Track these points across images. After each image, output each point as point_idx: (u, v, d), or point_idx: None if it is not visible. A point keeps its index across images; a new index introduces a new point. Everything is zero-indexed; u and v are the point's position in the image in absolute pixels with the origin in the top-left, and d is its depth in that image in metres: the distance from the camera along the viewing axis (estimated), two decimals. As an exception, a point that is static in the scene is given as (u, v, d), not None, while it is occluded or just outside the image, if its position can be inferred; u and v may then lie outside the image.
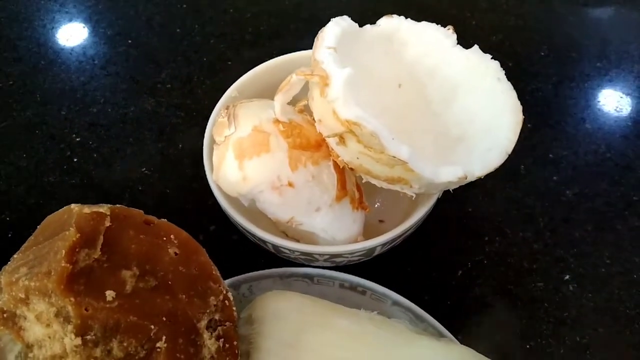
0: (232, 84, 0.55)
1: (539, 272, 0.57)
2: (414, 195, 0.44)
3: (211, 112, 0.53)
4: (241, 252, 0.58)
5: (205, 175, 0.50)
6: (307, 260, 0.49)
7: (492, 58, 0.47)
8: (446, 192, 0.49)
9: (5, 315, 0.36)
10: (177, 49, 0.77)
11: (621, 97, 0.70)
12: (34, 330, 0.36)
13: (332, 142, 0.44)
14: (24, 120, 0.71)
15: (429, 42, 0.50)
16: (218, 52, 0.77)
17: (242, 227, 0.48)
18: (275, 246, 0.48)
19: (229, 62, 0.76)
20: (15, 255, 0.38)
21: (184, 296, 0.36)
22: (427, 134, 0.49)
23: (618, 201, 0.61)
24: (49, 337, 0.35)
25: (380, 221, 0.56)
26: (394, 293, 0.48)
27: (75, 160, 0.68)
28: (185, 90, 0.73)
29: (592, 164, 0.64)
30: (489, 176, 0.43)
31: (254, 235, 0.48)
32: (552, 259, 0.58)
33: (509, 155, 0.44)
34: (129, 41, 0.79)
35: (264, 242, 0.48)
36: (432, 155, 0.46)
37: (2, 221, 0.62)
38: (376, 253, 0.50)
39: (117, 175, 0.66)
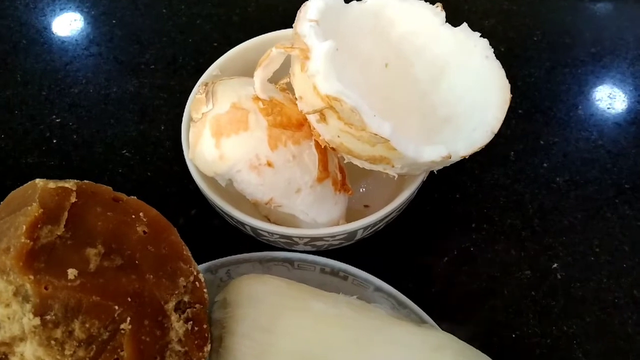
0: (217, 65, 0.53)
1: (526, 260, 0.56)
2: (396, 176, 0.42)
3: (196, 94, 0.51)
4: (222, 237, 0.56)
5: (188, 158, 0.48)
6: (287, 244, 0.48)
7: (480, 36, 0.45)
8: (433, 177, 0.48)
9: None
10: (162, 29, 0.75)
11: (614, 84, 0.68)
12: (-7, 308, 0.34)
13: (312, 119, 0.42)
14: (3, 100, 0.69)
15: (417, 19, 0.48)
16: (204, 33, 0.75)
17: (219, 208, 0.46)
18: (253, 228, 0.46)
19: (215, 44, 0.74)
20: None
21: (151, 276, 0.35)
22: (413, 114, 0.47)
23: (609, 189, 0.60)
24: (8, 318, 0.34)
25: (366, 206, 0.55)
26: (377, 279, 0.47)
27: (54, 141, 0.66)
28: (170, 72, 0.71)
29: (584, 151, 0.63)
30: (478, 161, 0.42)
31: (232, 217, 0.47)
32: (541, 247, 0.57)
33: (499, 141, 0.42)
34: (114, 21, 0.77)
35: (242, 224, 0.47)
36: (417, 136, 0.45)
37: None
38: (358, 237, 0.48)
39: (97, 157, 0.64)
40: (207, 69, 0.53)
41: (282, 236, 0.46)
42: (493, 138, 0.43)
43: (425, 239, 0.57)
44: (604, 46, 0.71)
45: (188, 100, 0.51)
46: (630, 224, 0.57)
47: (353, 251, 0.51)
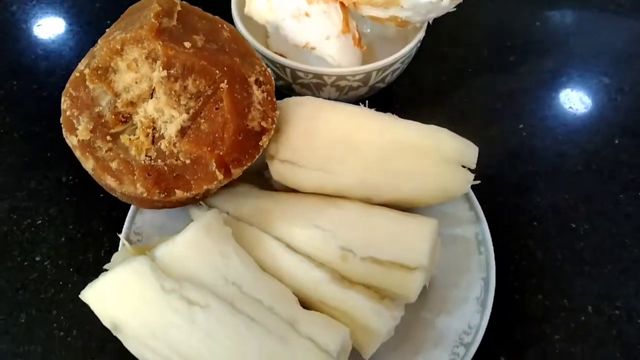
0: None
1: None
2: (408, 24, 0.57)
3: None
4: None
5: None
6: (317, 85, 0.62)
7: None
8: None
9: (99, 72, 0.47)
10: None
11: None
12: (123, 79, 0.47)
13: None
14: None
15: None
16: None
17: (263, 55, 0.60)
18: (292, 70, 0.60)
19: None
20: (105, 33, 0.49)
21: (237, 60, 0.49)
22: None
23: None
24: (136, 82, 0.47)
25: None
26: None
27: None
28: None
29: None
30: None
31: (273, 62, 0.61)
32: None
33: None
34: None
35: (283, 67, 0.61)
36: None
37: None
38: (372, 81, 0.63)
39: None
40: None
41: (315, 75, 0.60)
42: None
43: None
44: None
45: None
46: None
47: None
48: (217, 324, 0.43)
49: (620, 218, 0.66)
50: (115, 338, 0.56)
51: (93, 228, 0.65)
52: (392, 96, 0.71)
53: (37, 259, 0.62)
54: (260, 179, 0.60)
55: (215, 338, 0.42)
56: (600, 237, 0.65)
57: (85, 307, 0.58)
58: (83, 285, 0.45)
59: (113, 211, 0.65)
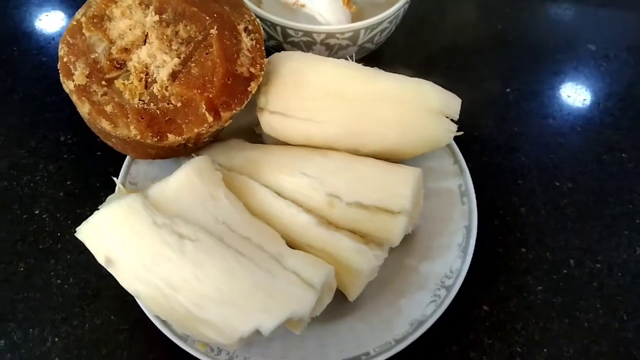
0: None
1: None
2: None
3: None
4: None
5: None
6: (307, 44, 0.64)
7: None
8: None
9: (95, 20, 0.49)
10: None
11: None
12: (118, 26, 0.49)
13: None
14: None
15: None
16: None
17: (256, 13, 0.62)
18: (283, 28, 0.62)
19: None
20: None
21: (227, 8, 0.51)
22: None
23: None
24: (130, 29, 0.49)
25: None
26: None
27: None
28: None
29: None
30: None
31: (265, 21, 0.62)
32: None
33: None
34: None
35: (274, 25, 0.62)
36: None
37: None
38: (361, 40, 0.64)
39: None
40: None
41: (305, 33, 0.62)
42: None
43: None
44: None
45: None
46: None
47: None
48: (206, 256, 0.45)
49: (604, 177, 0.68)
50: (109, 285, 0.59)
51: (90, 184, 0.67)
52: (381, 58, 0.73)
53: (36, 212, 0.65)
54: (252, 136, 0.62)
55: (204, 269, 0.44)
56: (583, 195, 0.67)
57: (81, 256, 0.61)
58: (80, 238, 0.47)
59: (110, 168, 0.67)
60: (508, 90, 0.75)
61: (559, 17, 0.84)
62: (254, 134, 0.62)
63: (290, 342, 0.51)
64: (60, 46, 0.49)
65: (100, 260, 0.47)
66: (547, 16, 0.85)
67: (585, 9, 0.86)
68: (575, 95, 0.75)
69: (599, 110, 0.74)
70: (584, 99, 0.75)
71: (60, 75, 0.49)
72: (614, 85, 0.76)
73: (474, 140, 0.70)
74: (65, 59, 0.49)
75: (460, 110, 0.55)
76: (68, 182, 0.67)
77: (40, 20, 0.83)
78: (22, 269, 0.61)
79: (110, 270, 0.47)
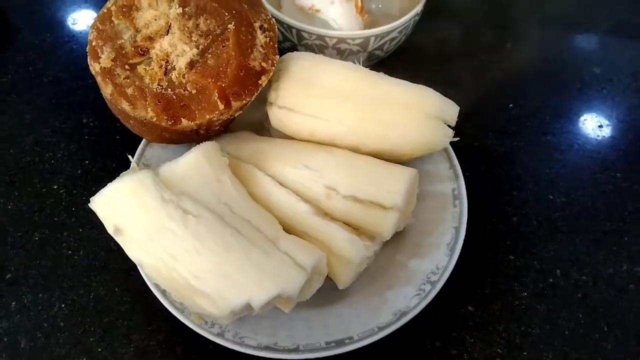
0: None
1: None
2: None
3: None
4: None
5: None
6: (320, 47, 0.68)
7: None
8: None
9: (124, 9, 0.54)
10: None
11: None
12: (144, 16, 0.53)
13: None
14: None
15: None
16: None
17: (272, 15, 0.66)
18: (298, 31, 0.66)
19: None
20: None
21: (246, 6, 0.54)
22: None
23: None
24: (155, 19, 0.53)
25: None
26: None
27: None
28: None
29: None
30: None
31: (281, 23, 0.66)
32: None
33: None
34: None
35: (290, 28, 0.66)
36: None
37: None
38: (371, 47, 0.68)
39: None
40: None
41: (318, 37, 0.66)
42: None
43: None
44: None
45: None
46: None
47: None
48: (207, 231, 0.48)
49: (597, 194, 0.70)
50: (116, 259, 0.62)
51: (107, 165, 0.71)
52: (389, 65, 0.76)
53: (55, 187, 0.69)
54: (261, 131, 0.66)
55: (204, 242, 0.48)
56: (575, 209, 0.69)
57: (92, 231, 0.64)
58: (94, 213, 0.51)
59: (126, 151, 0.71)
60: (511, 105, 0.78)
61: (567, 40, 0.87)
62: (263, 129, 0.66)
63: (280, 322, 0.54)
64: (90, 31, 0.54)
65: (110, 229, 0.50)
66: (556, 38, 0.88)
67: (595, 34, 0.88)
68: (576, 114, 0.78)
69: (598, 130, 0.76)
70: (585, 119, 0.78)
71: (88, 57, 0.53)
72: (615, 107, 0.79)
73: (474, 150, 0.73)
74: (94, 43, 0.53)
75: (464, 121, 0.58)
76: (86, 162, 0.71)
77: (74, 11, 0.89)
78: (37, 238, 0.65)
79: (118, 239, 0.50)
